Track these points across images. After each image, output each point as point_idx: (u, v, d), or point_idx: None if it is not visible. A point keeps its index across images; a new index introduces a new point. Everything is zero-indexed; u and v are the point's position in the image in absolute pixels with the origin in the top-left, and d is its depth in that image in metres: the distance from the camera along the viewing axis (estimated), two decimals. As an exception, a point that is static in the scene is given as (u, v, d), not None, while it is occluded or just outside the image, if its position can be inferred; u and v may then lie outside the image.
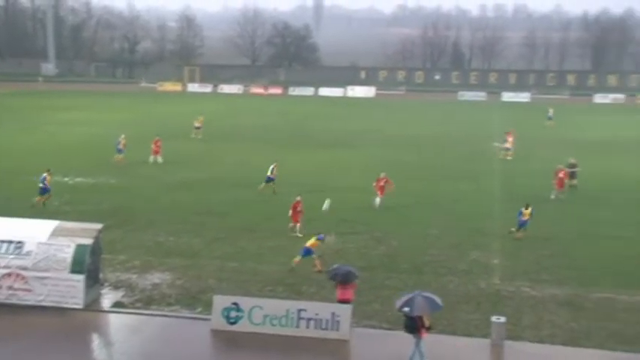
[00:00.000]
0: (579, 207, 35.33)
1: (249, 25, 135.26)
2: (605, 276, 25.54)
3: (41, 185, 33.90)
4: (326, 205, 31.04)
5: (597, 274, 25.70)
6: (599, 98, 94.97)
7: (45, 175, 34.26)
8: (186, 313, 21.98)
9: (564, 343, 20.12)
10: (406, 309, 17.97)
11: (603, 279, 25.20)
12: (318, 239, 25.64)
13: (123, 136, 46.83)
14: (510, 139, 49.03)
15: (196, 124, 57.00)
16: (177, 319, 21.57)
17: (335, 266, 21.75)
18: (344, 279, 20.59)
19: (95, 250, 22.91)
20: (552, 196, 36.82)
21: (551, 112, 68.80)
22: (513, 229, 29.90)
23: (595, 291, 23.96)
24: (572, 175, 39.56)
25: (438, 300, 18.36)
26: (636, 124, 69.81)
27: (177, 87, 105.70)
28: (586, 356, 19.49)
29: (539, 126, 65.74)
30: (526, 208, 29.69)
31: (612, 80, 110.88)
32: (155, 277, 24.84)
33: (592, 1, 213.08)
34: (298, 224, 29.68)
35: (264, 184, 37.37)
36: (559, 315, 22.00)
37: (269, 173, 37.63)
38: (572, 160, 40.93)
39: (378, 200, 34.44)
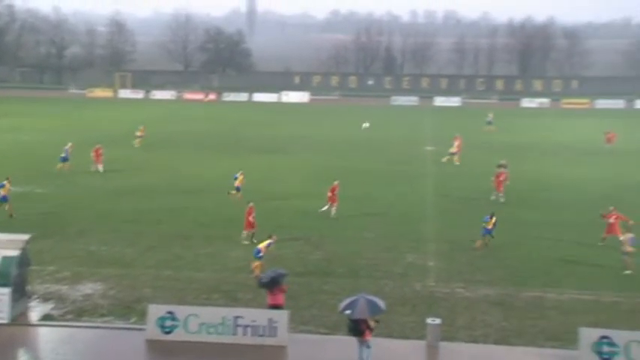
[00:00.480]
0: (510, 208, 36.17)
1: (182, 30, 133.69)
2: (534, 276, 26.26)
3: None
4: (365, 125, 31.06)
5: (527, 274, 26.41)
6: (525, 102, 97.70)
7: (4, 182, 33.42)
8: (119, 323, 21.53)
9: (497, 342, 20.59)
10: (348, 311, 18.07)
11: (533, 278, 25.92)
12: (268, 245, 25.61)
13: (70, 144, 45.63)
14: (457, 143, 49.59)
15: (138, 133, 55.85)
16: (110, 330, 21.10)
17: (264, 273, 21.74)
18: (270, 284, 20.55)
19: (22, 261, 22.19)
20: (492, 197, 37.62)
21: (490, 116, 70.05)
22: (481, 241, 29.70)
23: (525, 290, 24.62)
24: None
25: (381, 303, 18.48)
26: (565, 127, 72.02)
27: (107, 93, 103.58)
28: (517, 354, 19.98)
29: (478, 130, 66.78)
30: (491, 218, 29.69)
31: (538, 85, 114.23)
32: (87, 288, 24.24)
33: (517, 9, 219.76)
34: (250, 231, 29.43)
35: (234, 192, 36.80)
36: (491, 315, 22.49)
37: (238, 183, 37.04)
38: (502, 162, 42.02)
39: (332, 210, 33.89)
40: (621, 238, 27.48)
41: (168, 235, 30.83)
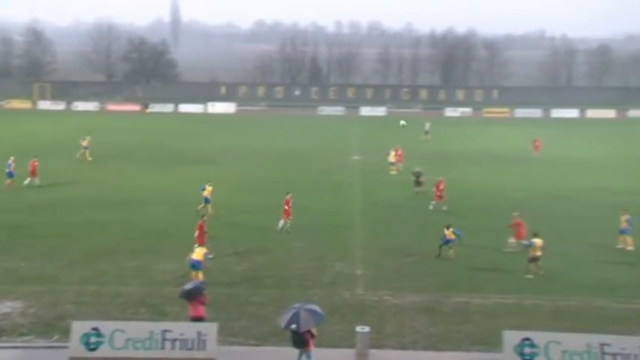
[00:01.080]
0: (436, 216, 36.88)
1: (104, 39, 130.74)
2: (460, 281, 26.84)
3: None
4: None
5: (453, 280, 26.95)
6: (449, 112, 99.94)
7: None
8: (41, 342, 20.82)
9: (425, 348, 20.92)
10: (293, 326, 17.95)
11: (459, 284, 26.47)
12: (206, 255, 26.07)
13: (12, 158, 43.81)
14: (393, 152, 49.81)
15: (84, 144, 54.11)
16: (31, 350, 20.38)
17: (185, 285, 21.52)
18: (190, 296, 20.36)
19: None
20: (430, 207, 38.10)
21: (427, 126, 71.08)
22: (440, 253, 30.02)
23: (451, 296, 25.12)
24: (418, 184, 41.45)
25: (319, 310, 18.54)
26: (487, 135, 73.94)
27: (26, 104, 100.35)
28: (444, 358, 20.34)
29: (415, 140, 67.67)
30: (447, 229, 30.04)
31: (460, 95, 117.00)
32: (4, 307, 23.35)
33: (439, 20, 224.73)
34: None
35: (202, 205, 36.05)
36: (419, 321, 22.84)
37: (207, 194, 36.42)
38: (418, 169, 42.88)
39: (282, 223, 33.44)
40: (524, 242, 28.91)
41: (92, 249, 30.07)
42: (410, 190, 42.02)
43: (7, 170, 42.71)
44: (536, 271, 27.39)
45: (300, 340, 18.24)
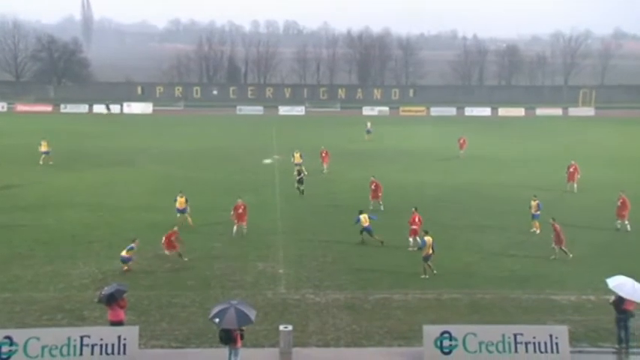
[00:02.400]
0: (347, 214, 37.26)
1: (10, 38, 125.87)
2: (380, 278, 27.29)
3: None
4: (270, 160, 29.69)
5: (373, 277, 27.38)
6: (367, 111, 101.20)
7: None
8: (-50, 353, 19.98)
9: (347, 345, 21.24)
10: (216, 320, 17.94)
11: (379, 281, 26.93)
12: (129, 249, 26.86)
13: None
14: (297, 154, 49.68)
15: (43, 149, 51.80)
16: (-60, 361, 19.51)
17: (103, 288, 21.15)
18: (109, 300, 20.07)
19: None
20: (371, 207, 38.34)
21: (369, 125, 71.67)
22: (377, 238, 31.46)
23: (372, 293, 25.56)
24: (300, 181, 41.99)
25: (252, 314, 18.46)
26: (405, 134, 75.28)
27: None
28: (367, 355, 20.67)
29: (357, 140, 68.16)
30: (360, 214, 31.96)
31: (377, 94, 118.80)
32: None
33: (355, 20, 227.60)
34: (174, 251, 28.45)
35: (179, 215, 34.56)
36: (342, 318, 23.15)
37: (178, 205, 34.99)
38: (298, 167, 43.64)
39: (236, 228, 32.68)
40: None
41: (3, 255, 29.02)
42: (329, 189, 42.34)
43: None
44: (430, 271, 27.64)
45: (227, 337, 18.23)
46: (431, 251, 27.56)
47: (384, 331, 22.23)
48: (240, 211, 32.69)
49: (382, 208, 38.30)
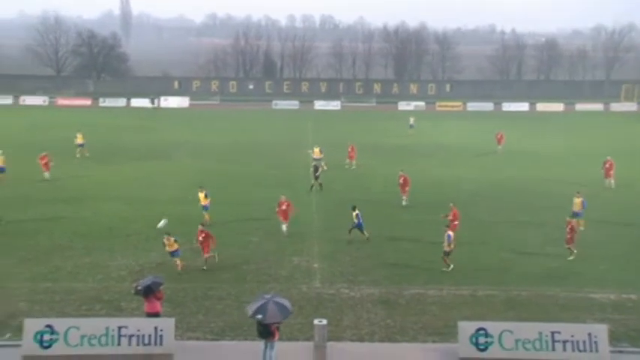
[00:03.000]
0: (390, 209, 37.27)
1: (51, 33, 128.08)
2: (415, 274, 27.17)
3: None
4: (162, 223, 29.33)
5: (408, 272, 27.27)
6: (402, 106, 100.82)
7: None
8: (-7, 340, 20.46)
9: (382, 340, 21.20)
10: (259, 316, 18.05)
11: (414, 276, 26.80)
12: (175, 241, 26.50)
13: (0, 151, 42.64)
14: (317, 149, 49.65)
15: (78, 142, 52.69)
16: (-18, 349, 19.99)
17: (140, 280, 21.39)
18: (146, 292, 20.27)
19: None
20: (404, 203, 38.28)
21: (412, 120, 71.45)
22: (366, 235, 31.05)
23: (407, 288, 25.46)
24: (316, 177, 41.88)
25: (288, 304, 18.66)
26: (441, 129, 74.79)
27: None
28: (401, 350, 20.61)
29: (401, 135, 68.01)
30: (353, 210, 31.01)
31: (413, 89, 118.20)
32: (-46, 306, 22.88)
33: (391, 14, 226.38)
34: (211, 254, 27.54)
35: (205, 213, 33.65)
36: (376, 313, 23.11)
37: (203, 202, 33.94)
38: (315, 162, 43.49)
39: (284, 227, 32.14)
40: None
41: (45, 246, 29.58)
42: (365, 184, 42.26)
43: None
44: (447, 266, 27.47)
45: (266, 331, 18.36)
46: (453, 246, 27.50)
47: (419, 326, 22.14)
48: (284, 207, 32.30)
49: (404, 202, 38.11)
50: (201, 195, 34.21)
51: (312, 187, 41.59)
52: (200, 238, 27.38)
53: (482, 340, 19.75)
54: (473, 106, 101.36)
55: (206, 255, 27.21)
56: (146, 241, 30.31)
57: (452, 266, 27.45)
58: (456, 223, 30.78)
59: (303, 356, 19.87)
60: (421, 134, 68.60)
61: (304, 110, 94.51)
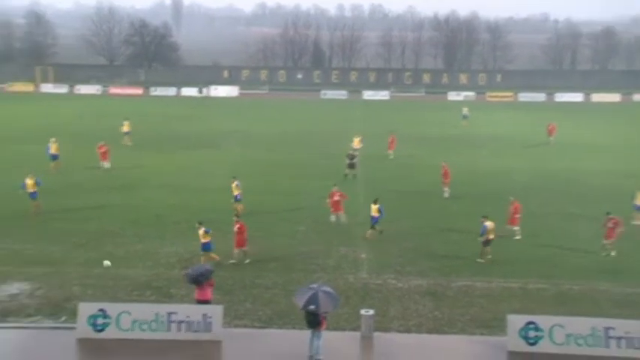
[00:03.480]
0: (438, 200, 36.96)
1: (105, 23, 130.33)
2: (463, 265, 26.91)
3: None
4: (106, 263, 26.22)
5: (456, 264, 27.03)
6: (452, 96, 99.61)
7: None
8: (48, 323, 21.00)
9: (429, 332, 21.07)
10: (312, 307, 18.14)
11: (462, 268, 26.55)
12: (206, 232, 25.88)
13: (53, 139, 43.65)
14: (357, 139, 49.31)
15: (125, 129, 53.58)
16: (39, 330, 20.57)
17: (190, 268, 21.62)
18: (198, 279, 20.47)
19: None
20: (446, 195, 38.08)
21: (465, 110, 70.74)
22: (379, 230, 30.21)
23: (455, 280, 25.24)
24: (351, 166, 41.55)
25: (335, 293, 18.81)
26: (492, 119, 73.72)
27: (28, 87, 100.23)
28: (449, 342, 20.47)
29: (454, 125, 67.63)
30: (374, 204, 30.19)
31: (463, 78, 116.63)
32: (13, 288, 23.56)
33: (441, 3, 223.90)
34: (243, 248, 27.18)
35: (235, 203, 33.54)
36: (423, 305, 22.96)
37: (236, 192, 33.79)
38: (351, 152, 42.95)
39: (334, 217, 32.20)
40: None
41: (97, 232, 30.21)
42: (412, 175, 41.98)
43: (49, 153, 42.96)
44: (486, 257, 27.26)
45: (315, 321, 18.43)
46: (492, 236, 27.13)
47: (467, 318, 21.93)
48: (336, 198, 32.13)
49: (446, 194, 37.76)
50: (233, 185, 33.96)
51: (345, 175, 41.34)
52: (235, 229, 26.96)
53: (532, 334, 19.48)
54: (524, 96, 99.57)
55: (244, 248, 26.97)
56: (195, 229, 30.61)
57: (489, 257, 27.18)
58: (518, 216, 30.31)
59: (349, 346, 19.89)
60: (471, 125, 67.70)
61: (352, 100, 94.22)
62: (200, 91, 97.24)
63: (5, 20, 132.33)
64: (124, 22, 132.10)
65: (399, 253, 28.22)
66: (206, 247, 26.10)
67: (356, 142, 48.67)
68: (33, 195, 32.99)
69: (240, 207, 33.16)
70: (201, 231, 26.03)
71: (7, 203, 34.69)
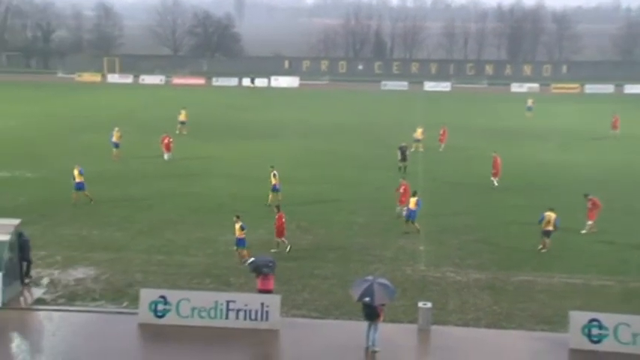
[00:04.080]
0: (500, 194, 36.37)
1: (169, 14, 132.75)
2: (524, 260, 26.42)
3: None
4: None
5: (516, 258, 26.56)
6: (515, 87, 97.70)
7: None
8: (112, 307, 21.56)
9: (488, 326, 20.76)
10: (367, 299, 18.20)
11: (522, 263, 26.07)
12: (242, 228, 25.32)
13: (117, 129, 44.84)
14: (420, 130, 48.90)
15: (181, 119, 54.42)
16: (102, 315, 21.13)
17: (253, 258, 21.78)
18: (261, 269, 20.62)
19: (14, 246, 22.18)
20: (495, 184, 37.66)
21: (530, 102, 69.74)
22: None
23: (515, 274, 24.80)
24: (403, 158, 41.03)
25: (391, 285, 18.83)
26: (555, 112, 72.06)
27: (96, 78, 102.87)
28: (508, 337, 20.13)
29: (519, 117, 66.75)
30: (413, 196, 29.70)
31: (527, 70, 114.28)
32: (79, 273, 24.26)
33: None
34: (282, 239, 27.14)
35: (271, 194, 33.44)
36: (482, 298, 22.65)
37: (274, 182, 33.52)
38: (404, 143, 42.37)
39: (399, 209, 31.47)
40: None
41: (159, 219, 30.80)
42: (470, 166, 41.41)
43: (112, 141, 43.97)
44: (547, 247, 26.95)
45: (373, 313, 18.46)
46: (552, 228, 26.74)
47: (527, 314, 21.52)
48: (401, 190, 31.75)
49: (495, 184, 37.49)
50: (272, 175, 33.70)
51: (399, 168, 41.00)
52: (282, 221, 26.77)
53: (595, 331, 19.00)
54: (591, 88, 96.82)
55: (283, 238, 26.86)
56: (254, 218, 30.88)
57: (544, 250, 26.82)
58: (596, 211, 29.61)
59: (406, 339, 19.78)
60: (535, 117, 66.35)
61: (413, 91, 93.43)
62: (252, 82, 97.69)
63: (76, 12, 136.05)
64: (188, 13, 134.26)
65: (459, 246, 27.89)
66: (240, 243, 25.37)
67: (419, 133, 48.28)
68: (79, 185, 33.08)
69: (275, 197, 32.94)
70: (237, 225, 25.24)
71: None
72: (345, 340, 19.56)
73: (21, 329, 20.61)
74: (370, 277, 18.94)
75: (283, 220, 26.88)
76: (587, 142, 53.17)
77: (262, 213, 31.10)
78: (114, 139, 44.16)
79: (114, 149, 43.80)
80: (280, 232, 26.88)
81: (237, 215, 25.80)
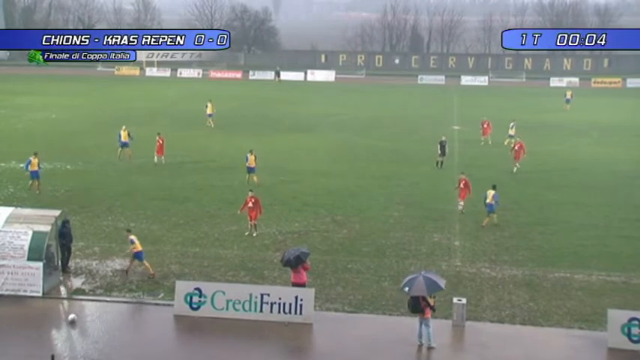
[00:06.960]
0: (538, 189, 35.91)
1: (207, 8, 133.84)
2: (561, 256, 26.06)
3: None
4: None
5: (554, 255, 26.21)
6: (554, 82, 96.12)
7: (31, 158, 33.84)
8: (148, 299, 21.83)
9: (523, 323, 20.55)
10: (405, 288, 18.47)
11: (560, 259, 25.72)
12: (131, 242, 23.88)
13: (124, 127, 44.80)
14: (513, 124, 48.53)
15: (208, 112, 54.49)
16: (139, 305, 21.43)
17: (286, 251, 21.87)
18: (294, 263, 20.67)
19: (54, 236, 22.61)
20: (515, 170, 37.97)
21: (569, 94, 68.79)
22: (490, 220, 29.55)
23: (552, 271, 24.48)
24: (442, 153, 40.86)
25: (442, 282, 18.79)
26: (596, 106, 70.85)
27: (135, 71, 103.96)
28: (544, 335, 19.90)
29: (557, 109, 66.05)
30: (492, 189, 29.54)
31: (567, 64, 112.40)
32: (116, 264, 24.62)
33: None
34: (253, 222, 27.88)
35: (247, 175, 35.59)
36: (518, 295, 22.41)
37: (247, 163, 35.73)
38: (443, 138, 42.01)
39: (461, 205, 31.55)
40: None
41: (194, 212, 31.07)
42: (508, 162, 40.84)
43: (120, 141, 43.82)
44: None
45: (415, 305, 18.59)
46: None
47: (564, 311, 21.24)
48: (461, 185, 31.48)
49: (515, 169, 38.46)
50: (251, 157, 35.59)
51: (437, 163, 40.72)
52: (250, 204, 27.62)
53: (635, 330, 18.68)
54: (633, 82, 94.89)
55: (253, 221, 27.63)
56: (289, 211, 31.05)
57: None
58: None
59: (441, 334, 19.65)
60: (574, 111, 65.29)
61: (450, 85, 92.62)
62: (277, 75, 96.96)
63: (117, 7, 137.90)
64: (226, 7, 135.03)
65: (495, 242, 27.62)
66: (138, 256, 23.65)
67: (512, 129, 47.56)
68: (124, 143, 38.83)
69: (254, 178, 34.92)
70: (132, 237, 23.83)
71: (116, 181, 36.23)
72: (378, 334, 19.54)
73: (61, 318, 20.95)
74: (424, 271, 19.32)
75: (250, 203, 27.56)
76: (628, 138, 52.08)
77: (297, 205, 31.17)
78: (122, 138, 42.12)
79: (120, 149, 41.84)
80: (251, 215, 27.70)
81: (128, 229, 25.26)
